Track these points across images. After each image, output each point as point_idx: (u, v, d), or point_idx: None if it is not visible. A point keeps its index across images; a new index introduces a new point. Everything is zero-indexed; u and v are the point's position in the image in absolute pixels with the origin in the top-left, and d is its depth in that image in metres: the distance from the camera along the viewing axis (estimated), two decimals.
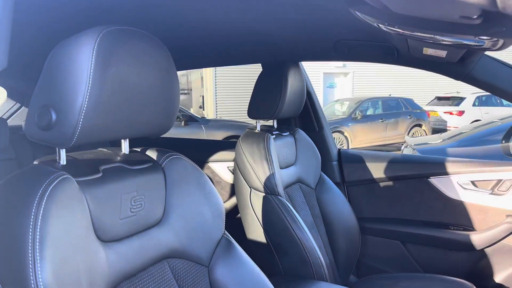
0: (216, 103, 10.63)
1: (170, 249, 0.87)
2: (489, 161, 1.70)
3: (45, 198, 0.63)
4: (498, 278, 1.68)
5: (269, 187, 1.37)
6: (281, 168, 1.53)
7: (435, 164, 1.77)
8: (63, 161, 0.74)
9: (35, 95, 0.71)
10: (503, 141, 1.88)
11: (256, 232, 1.40)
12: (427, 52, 1.25)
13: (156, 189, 0.86)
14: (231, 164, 2.13)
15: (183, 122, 7.03)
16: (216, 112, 10.63)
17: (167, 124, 0.86)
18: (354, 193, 1.92)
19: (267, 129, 1.57)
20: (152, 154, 0.93)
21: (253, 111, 1.50)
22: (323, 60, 1.73)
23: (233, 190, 2.20)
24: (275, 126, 1.66)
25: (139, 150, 0.94)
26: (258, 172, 1.38)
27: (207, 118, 9.10)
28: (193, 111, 10.34)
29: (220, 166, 2.19)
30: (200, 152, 2.22)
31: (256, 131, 1.52)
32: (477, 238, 1.66)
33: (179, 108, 0.88)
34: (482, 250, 1.69)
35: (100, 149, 0.89)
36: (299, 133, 1.69)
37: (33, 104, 0.70)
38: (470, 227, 1.72)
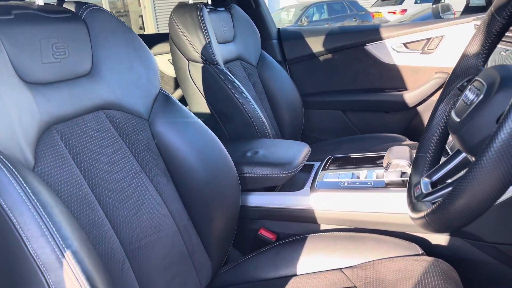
0: (157, 19, 10.05)
1: (105, 100, 0.86)
2: (419, 22, 1.76)
3: None
4: None
5: (207, 57, 1.36)
6: (219, 42, 1.51)
7: (370, 31, 1.82)
8: None
9: None
10: (433, 5, 1.94)
11: (199, 103, 1.42)
12: None
13: (79, 40, 0.83)
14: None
15: None
16: (158, 28, 10.09)
17: None
18: (295, 70, 1.96)
19: (201, 3, 1.51)
20: (69, 6, 0.88)
21: None
22: None
23: (177, 84, 2.18)
24: (209, 1, 1.60)
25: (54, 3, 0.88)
26: (194, 42, 1.36)
27: None
28: None
29: (160, 60, 2.14)
30: None
31: (189, 2, 1.46)
32: (410, 97, 1.78)
33: None
34: (414, 109, 1.82)
35: (12, 1, 0.83)
36: (235, 9, 1.65)
37: None
38: (404, 88, 1.83)
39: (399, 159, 0.99)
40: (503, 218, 0.87)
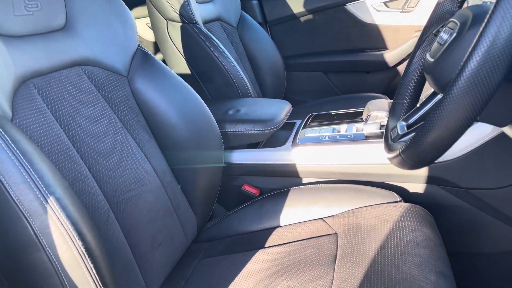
0: None
1: (81, 56, 0.84)
2: None
3: None
4: None
5: (185, 16, 1.34)
6: (197, 2, 1.48)
7: None
8: None
9: None
10: None
11: (179, 64, 1.41)
12: None
13: None
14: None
15: None
16: None
17: None
18: (276, 31, 1.94)
19: None
20: None
21: None
22: None
23: (157, 48, 2.14)
24: None
25: None
26: (171, 0, 1.33)
27: None
28: None
29: (138, 25, 2.08)
30: None
31: None
32: (390, 56, 1.79)
33: None
34: (395, 68, 1.83)
35: None
36: None
37: None
38: (384, 48, 1.83)
39: (378, 111, 1.01)
40: (475, 164, 0.90)
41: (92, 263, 0.59)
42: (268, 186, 1.14)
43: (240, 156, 1.15)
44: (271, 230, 0.99)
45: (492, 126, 0.86)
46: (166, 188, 0.93)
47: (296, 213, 1.00)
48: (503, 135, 0.86)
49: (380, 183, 1.03)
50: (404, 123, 0.69)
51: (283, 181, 1.12)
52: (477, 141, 0.88)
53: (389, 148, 0.66)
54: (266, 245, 0.94)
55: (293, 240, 0.92)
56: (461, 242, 0.99)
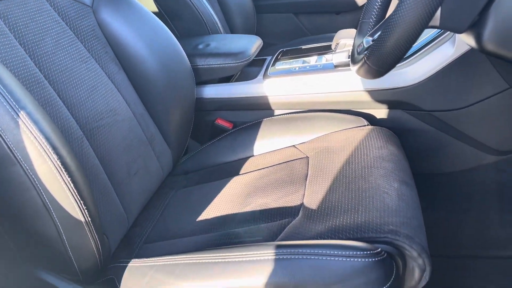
0: None
1: None
2: None
3: None
4: None
5: None
6: None
7: None
8: None
9: None
10: None
11: (144, 1, 1.36)
12: None
13: None
14: None
15: None
16: None
17: None
18: None
19: None
20: None
21: None
22: None
23: None
24: None
25: None
26: None
27: None
28: None
29: None
30: None
31: None
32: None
33: None
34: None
35: None
36: None
37: None
38: None
39: (346, 38, 1.02)
40: (437, 87, 0.94)
41: (69, 176, 0.60)
42: (241, 119, 1.16)
43: (212, 91, 1.16)
44: (245, 159, 1.02)
45: (453, 49, 0.90)
46: (139, 119, 0.93)
47: (269, 142, 1.03)
48: (462, 57, 0.90)
49: (349, 111, 1.06)
50: (370, 38, 0.71)
51: (255, 114, 1.14)
52: (439, 65, 0.92)
53: (354, 61, 0.68)
54: (241, 172, 0.97)
55: (266, 166, 0.95)
56: (424, 163, 1.05)
